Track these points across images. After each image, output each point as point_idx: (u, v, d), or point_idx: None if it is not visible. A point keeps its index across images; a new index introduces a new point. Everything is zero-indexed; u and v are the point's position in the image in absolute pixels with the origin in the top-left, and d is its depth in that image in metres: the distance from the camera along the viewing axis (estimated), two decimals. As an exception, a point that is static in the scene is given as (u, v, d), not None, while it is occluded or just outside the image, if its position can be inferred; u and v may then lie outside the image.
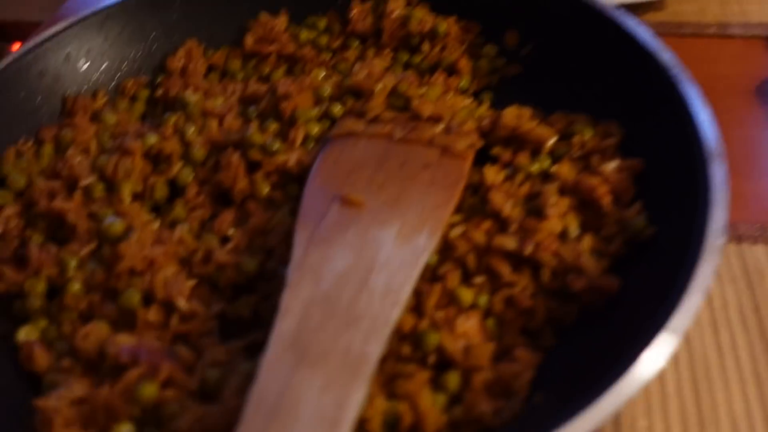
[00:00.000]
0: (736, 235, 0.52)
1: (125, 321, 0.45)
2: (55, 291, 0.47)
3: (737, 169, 0.58)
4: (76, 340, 0.43)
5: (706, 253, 0.38)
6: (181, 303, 0.45)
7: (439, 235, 0.45)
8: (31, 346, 0.44)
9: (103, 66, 0.64)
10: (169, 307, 0.46)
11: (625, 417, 0.43)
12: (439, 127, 0.52)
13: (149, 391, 0.39)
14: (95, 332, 0.44)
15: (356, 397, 0.35)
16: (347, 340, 0.38)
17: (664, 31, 0.74)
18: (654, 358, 0.34)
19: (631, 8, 0.75)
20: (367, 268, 0.42)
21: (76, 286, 0.47)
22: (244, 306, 0.47)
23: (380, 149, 0.52)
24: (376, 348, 0.38)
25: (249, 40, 0.67)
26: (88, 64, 0.63)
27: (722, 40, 0.72)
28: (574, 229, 0.46)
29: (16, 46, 1.82)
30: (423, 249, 0.44)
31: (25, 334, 0.45)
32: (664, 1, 0.76)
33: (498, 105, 0.60)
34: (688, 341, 0.46)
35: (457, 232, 0.47)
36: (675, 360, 0.45)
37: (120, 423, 0.38)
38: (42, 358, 0.43)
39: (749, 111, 0.64)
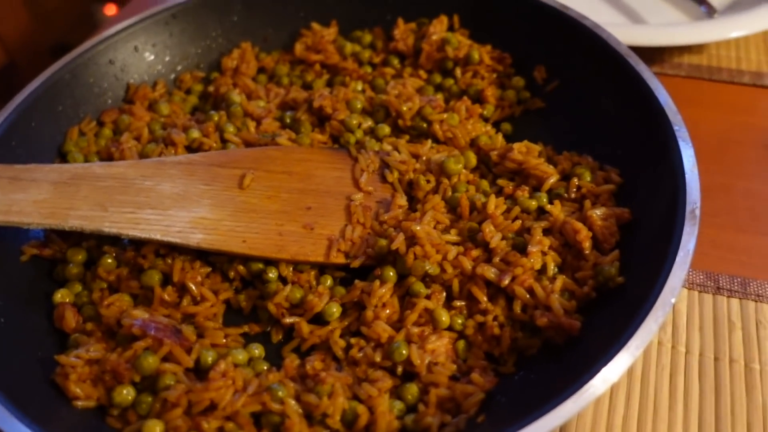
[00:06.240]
0: (715, 287, 0.54)
1: (145, 297, 0.52)
2: (92, 262, 0.54)
3: (734, 222, 0.60)
4: (101, 308, 0.50)
5: (656, 310, 0.41)
6: (193, 287, 0.52)
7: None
8: (65, 307, 0.51)
9: (166, 59, 0.71)
10: (182, 289, 0.52)
11: (569, 439, 0.46)
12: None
13: (150, 362, 0.45)
14: (118, 303, 0.51)
15: None
16: None
17: (699, 74, 0.74)
18: (578, 405, 0.38)
19: (671, 48, 0.76)
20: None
21: (109, 260, 0.53)
22: (246, 299, 0.53)
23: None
24: None
25: (299, 48, 0.72)
26: (153, 56, 0.70)
27: (756, 89, 0.72)
28: (551, 269, 0.50)
29: (110, 9, 1.93)
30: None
31: (61, 296, 0.52)
32: (703, 45, 0.77)
33: (515, 136, 0.64)
34: (644, 380, 0.49)
35: (452, 254, 0.51)
36: (627, 395, 0.48)
37: (123, 386, 0.45)
38: (71, 319, 0.50)
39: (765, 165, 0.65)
